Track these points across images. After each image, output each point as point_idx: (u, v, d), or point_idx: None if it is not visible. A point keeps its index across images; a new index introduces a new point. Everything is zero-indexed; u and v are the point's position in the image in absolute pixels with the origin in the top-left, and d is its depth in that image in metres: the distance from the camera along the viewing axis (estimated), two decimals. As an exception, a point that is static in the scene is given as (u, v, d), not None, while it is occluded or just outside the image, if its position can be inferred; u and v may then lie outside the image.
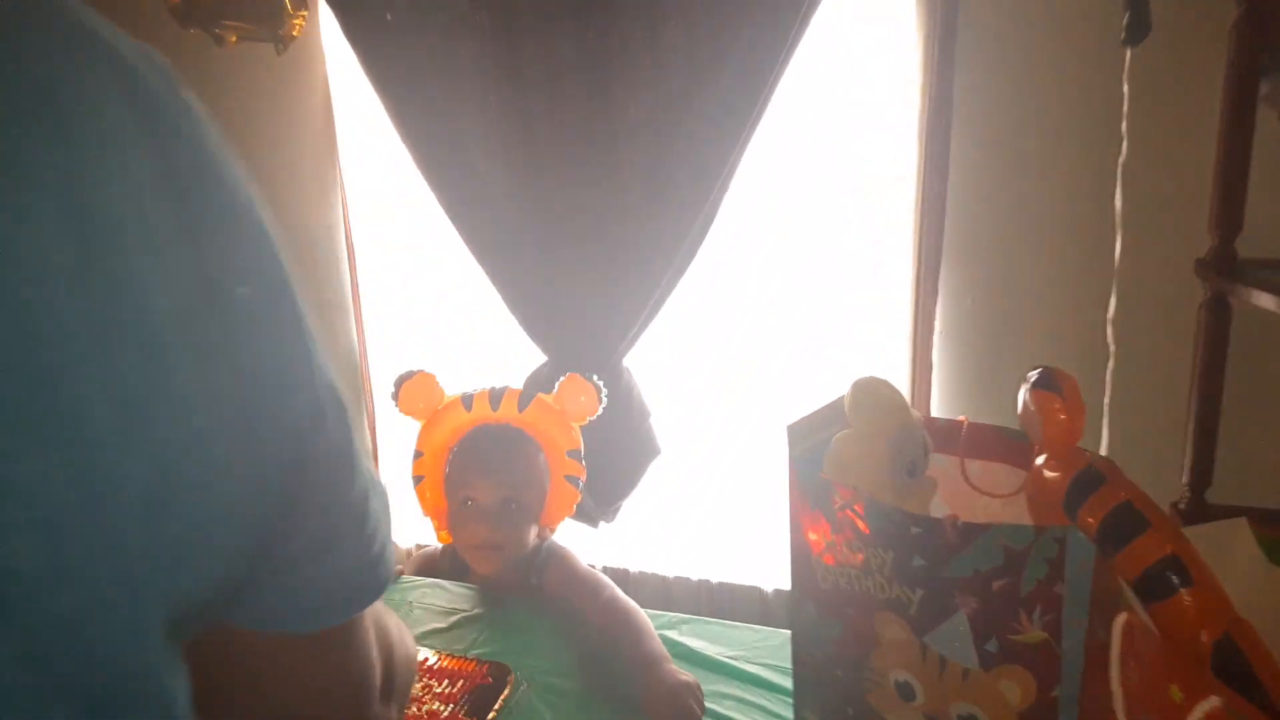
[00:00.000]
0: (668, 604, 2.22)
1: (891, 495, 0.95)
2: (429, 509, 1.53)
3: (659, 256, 1.94)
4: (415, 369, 1.49)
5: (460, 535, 1.47)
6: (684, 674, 1.21)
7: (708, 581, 2.22)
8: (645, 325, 2.02)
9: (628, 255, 1.95)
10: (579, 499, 1.54)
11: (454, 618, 1.43)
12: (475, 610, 1.46)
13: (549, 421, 1.49)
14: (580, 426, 1.53)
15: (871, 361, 2.03)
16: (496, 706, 1.16)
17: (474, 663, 1.25)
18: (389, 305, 2.36)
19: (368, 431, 2.39)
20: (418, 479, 1.51)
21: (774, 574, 2.20)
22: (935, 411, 1.98)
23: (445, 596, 1.51)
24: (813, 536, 1.02)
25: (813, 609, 1.06)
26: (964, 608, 0.90)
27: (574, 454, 1.50)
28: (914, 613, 0.93)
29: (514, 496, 1.43)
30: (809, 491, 1.02)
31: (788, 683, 1.22)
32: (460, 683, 1.21)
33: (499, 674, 1.22)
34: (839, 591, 1.01)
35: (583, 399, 1.48)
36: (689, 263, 1.96)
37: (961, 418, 1.08)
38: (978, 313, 1.90)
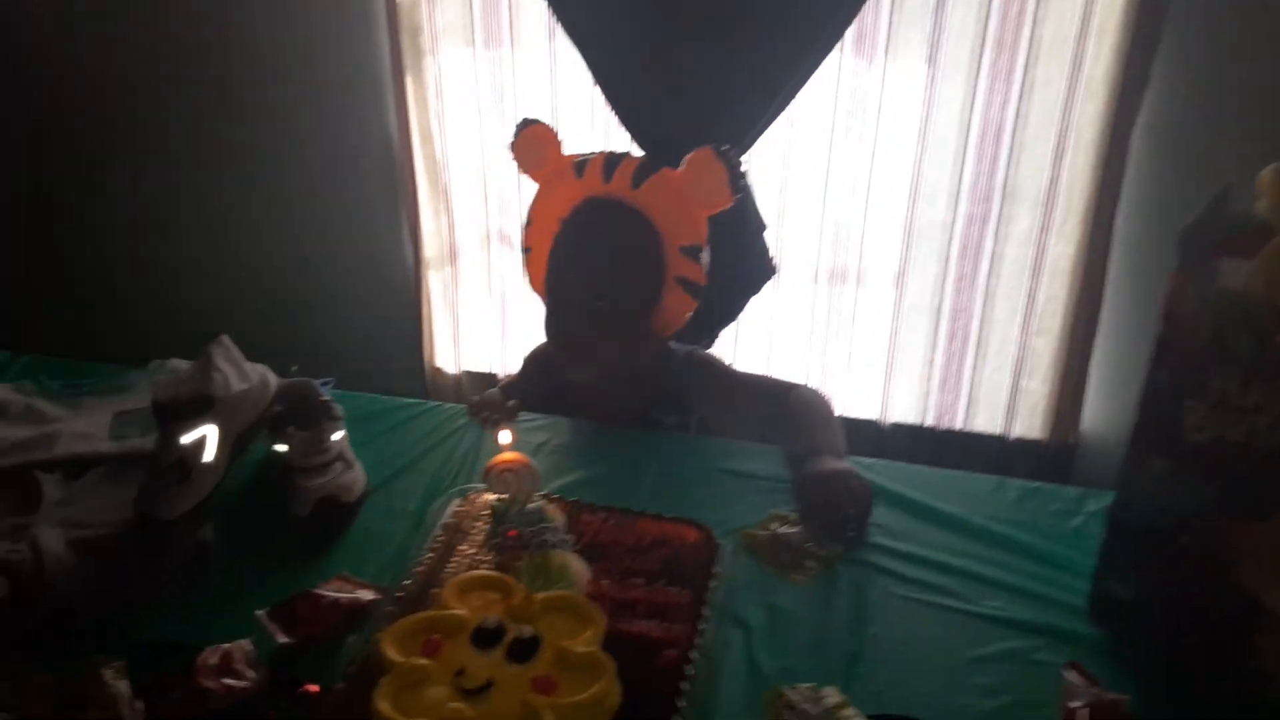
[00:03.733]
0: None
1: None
2: (537, 284, 1.35)
3: (793, 34, 1.62)
4: (537, 118, 1.29)
5: (549, 331, 1.31)
6: (841, 464, 1.12)
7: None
8: (770, 121, 1.72)
9: (753, 34, 1.62)
10: (693, 308, 1.31)
11: (599, 465, 1.23)
12: (623, 451, 1.26)
13: (666, 204, 1.25)
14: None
15: (1038, 166, 1.78)
16: (714, 574, 0.97)
17: (664, 521, 1.05)
18: (444, 86, 2.02)
19: (406, 222, 2.11)
20: (526, 250, 1.34)
21: (890, 407, 2.08)
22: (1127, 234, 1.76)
23: (577, 435, 1.30)
24: (1199, 376, 0.81)
25: (1165, 466, 0.87)
26: None
27: (689, 251, 1.26)
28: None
29: (605, 293, 1.24)
30: (1208, 314, 0.80)
31: (1046, 544, 1.08)
32: (649, 540, 1.01)
33: (701, 535, 1.03)
34: (1226, 446, 0.82)
35: (710, 182, 1.22)
36: (832, 43, 1.64)
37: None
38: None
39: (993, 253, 1.88)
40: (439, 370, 2.27)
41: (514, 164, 1.31)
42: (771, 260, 1.89)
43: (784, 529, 1.08)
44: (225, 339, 1.19)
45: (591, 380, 1.33)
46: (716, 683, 0.87)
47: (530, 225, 1.33)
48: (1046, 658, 0.92)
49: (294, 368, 1.26)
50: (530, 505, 0.98)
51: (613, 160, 1.26)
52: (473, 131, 2.03)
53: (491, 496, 1.03)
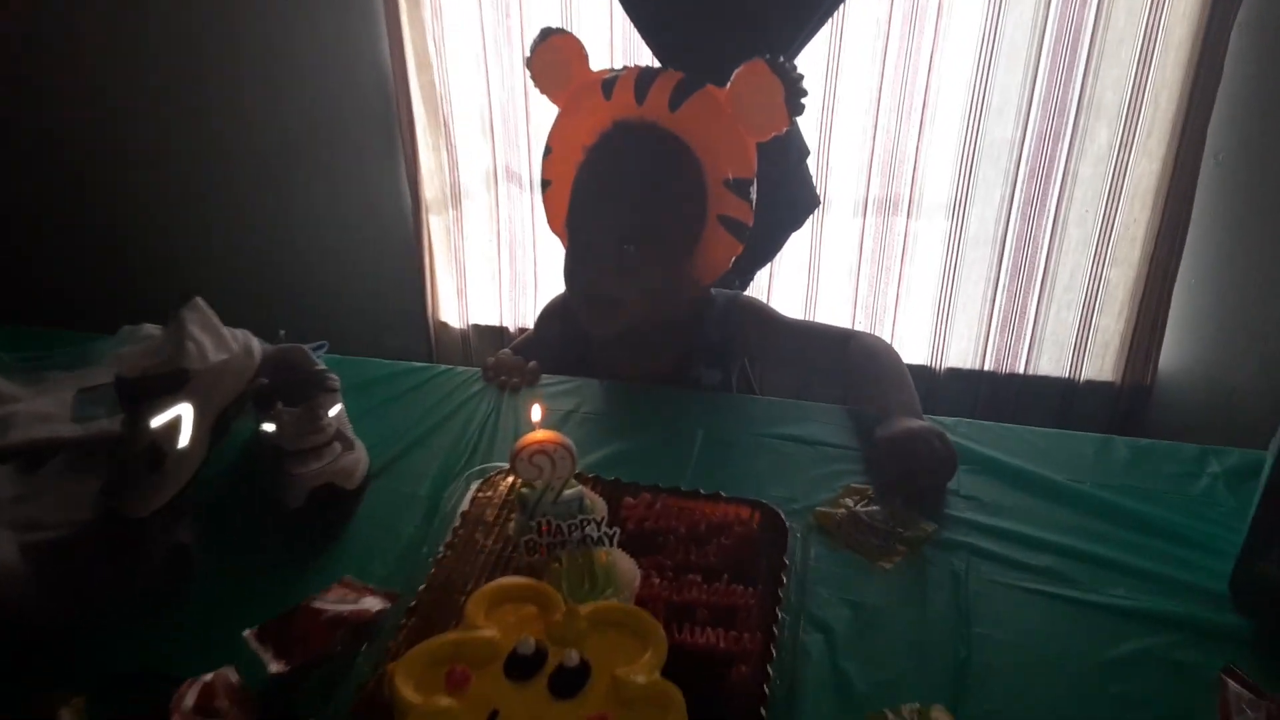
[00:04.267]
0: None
1: None
2: (556, 223, 1.21)
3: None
4: (559, 27, 1.14)
5: (569, 280, 1.18)
6: (920, 422, 1.01)
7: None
8: (814, 32, 1.54)
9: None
10: (738, 251, 1.17)
11: (638, 434, 1.09)
12: (663, 417, 1.12)
13: (710, 129, 1.10)
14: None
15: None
16: (786, 567, 0.84)
17: (721, 502, 0.91)
18: (442, 4, 1.84)
19: (403, 160, 1.95)
20: (545, 183, 1.20)
21: (945, 351, 1.95)
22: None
23: (609, 400, 1.16)
24: None
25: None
26: None
27: (736, 186, 1.11)
28: None
29: (636, 236, 1.10)
30: None
31: (1171, 515, 0.95)
32: (705, 525, 0.88)
33: (766, 517, 0.89)
34: None
35: (763, 101, 1.06)
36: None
37: None
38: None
39: (1064, 173, 1.73)
40: (443, 325, 2.15)
41: (532, 83, 1.16)
42: (814, 190, 1.75)
43: (863, 506, 0.94)
44: (199, 301, 1.04)
45: (617, 337, 1.20)
46: (800, 705, 0.74)
47: (550, 154, 1.18)
48: (1190, 657, 0.79)
49: (281, 332, 1.13)
50: (567, 492, 0.84)
51: (647, 77, 1.11)
52: (475, 55, 1.86)
53: (519, 481, 0.89)
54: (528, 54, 1.15)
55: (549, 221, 1.23)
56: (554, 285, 1.25)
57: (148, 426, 0.93)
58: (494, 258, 2.06)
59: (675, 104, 1.11)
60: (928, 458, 0.96)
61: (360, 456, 1.01)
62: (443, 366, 1.24)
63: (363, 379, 1.19)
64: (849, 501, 0.95)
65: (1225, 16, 1.52)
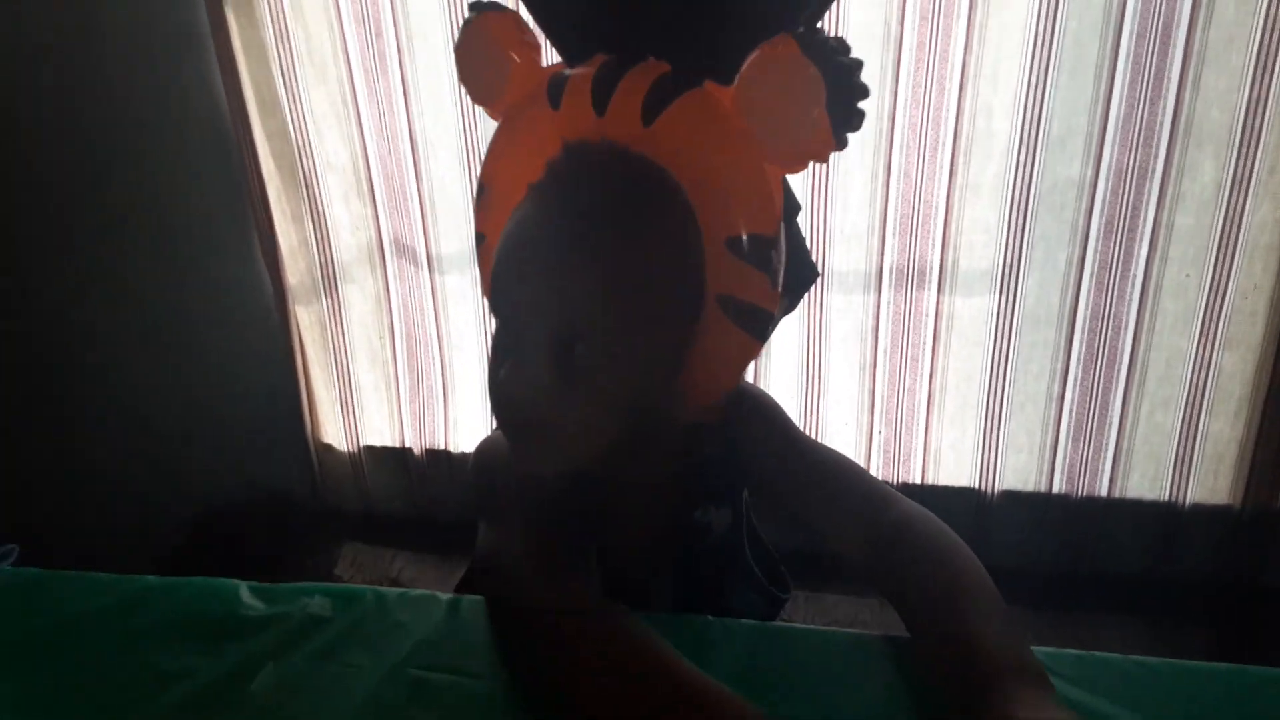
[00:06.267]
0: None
1: None
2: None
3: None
4: (492, 1, 0.80)
5: (490, 392, 0.81)
6: (1048, 703, 0.61)
7: (887, 483, 1.57)
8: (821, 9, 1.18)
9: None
10: (755, 353, 0.78)
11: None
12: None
13: (710, 155, 0.72)
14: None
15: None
16: None
17: None
18: (287, 20, 1.47)
19: (256, 235, 1.60)
20: (479, 238, 0.85)
21: (998, 469, 1.60)
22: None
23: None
24: None
25: None
26: None
27: (751, 248, 0.71)
28: None
29: (584, 330, 0.73)
30: None
31: None
32: None
33: None
34: None
35: (795, 106, 0.67)
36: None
37: None
38: None
39: (1154, 225, 1.40)
40: (327, 448, 1.77)
41: (462, 88, 0.84)
42: (810, 259, 1.37)
43: None
44: None
45: (549, 473, 0.81)
46: None
47: (484, 194, 0.81)
48: None
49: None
50: None
51: (609, 74, 0.70)
52: (339, 94, 1.51)
53: None
54: (457, 40, 0.83)
55: (486, 294, 0.83)
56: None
57: None
58: (387, 360, 1.68)
59: (652, 113, 0.70)
60: None
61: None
62: (235, 584, 0.78)
63: (68, 615, 0.73)
64: None
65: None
